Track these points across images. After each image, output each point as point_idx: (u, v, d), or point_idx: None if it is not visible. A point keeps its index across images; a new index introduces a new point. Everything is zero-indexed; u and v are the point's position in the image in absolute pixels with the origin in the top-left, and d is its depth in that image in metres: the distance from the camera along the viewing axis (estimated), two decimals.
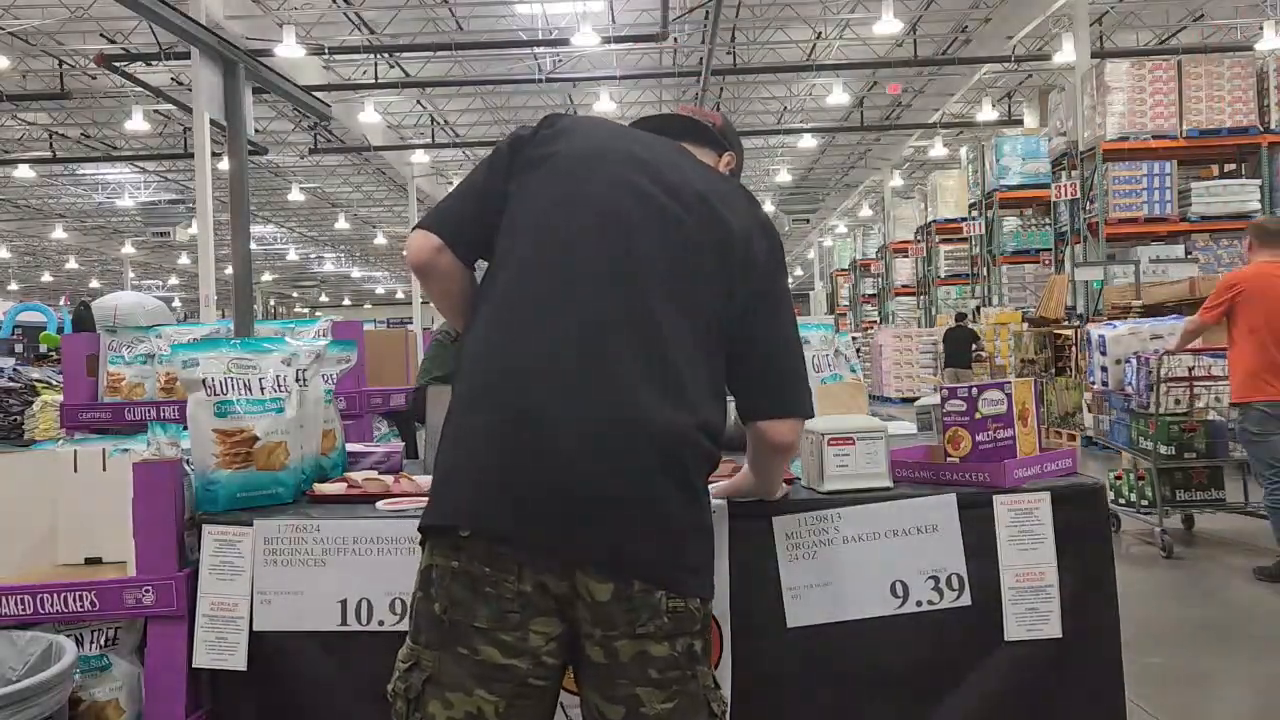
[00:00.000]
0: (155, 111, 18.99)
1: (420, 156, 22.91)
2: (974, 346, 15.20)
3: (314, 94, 13.66)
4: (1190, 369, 6.27)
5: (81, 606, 2.08)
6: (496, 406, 1.61)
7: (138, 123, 17.90)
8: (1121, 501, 6.81)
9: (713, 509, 2.03)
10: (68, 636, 2.04)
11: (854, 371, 2.37)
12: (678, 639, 1.59)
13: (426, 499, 1.68)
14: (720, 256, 1.70)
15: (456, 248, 1.76)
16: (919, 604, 2.03)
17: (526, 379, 1.60)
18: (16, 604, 2.07)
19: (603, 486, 1.56)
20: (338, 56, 15.84)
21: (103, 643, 2.13)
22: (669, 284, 1.66)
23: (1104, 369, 6.89)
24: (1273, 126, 12.47)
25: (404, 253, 1.77)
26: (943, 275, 20.58)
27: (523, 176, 1.75)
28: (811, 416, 1.83)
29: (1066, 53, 14.70)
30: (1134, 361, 6.48)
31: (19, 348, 5.62)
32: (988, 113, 19.86)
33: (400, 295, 48.55)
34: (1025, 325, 13.81)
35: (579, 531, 1.55)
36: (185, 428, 2.26)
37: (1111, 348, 6.82)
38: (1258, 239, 5.65)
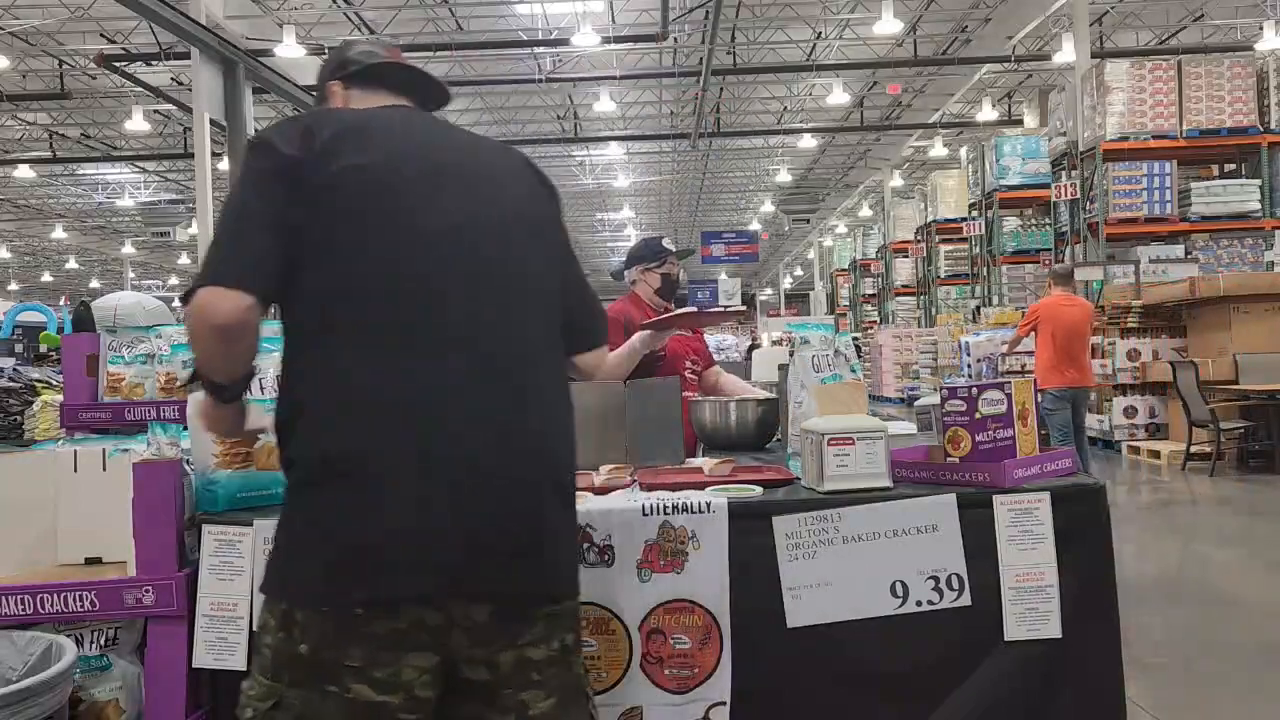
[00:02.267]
0: (155, 111, 19.00)
1: None
2: None
3: (314, 94, 13.69)
4: (1022, 365, 10.46)
5: (81, 606, 2.07)
6: (379, 450, 1.53)
7: (138, 123, 17.90)
8: None
9: (713, 510, 2.05)
10: (68, 636, 2.04)
11: (854, 371, 2.37)
12: (553, 639, 1.64)
13: None
14: (544, 226, 1.81)
15: (266, 300, 1.59)
16: (919, 604, 2.03)
17: (401, 417, 1.54)
18: (16, 604, 2.07)
19: (488, 521, 1.55)
20: None
21: (103, 643, 2.12)
22: (526, 284, 1.71)
23: (969, 365, 12.08)
24: (1273, 126, 12.47)
25: (186, 315, 1.58)
26: (943, 275, 20.57)
27: (318, 200, 1.60)
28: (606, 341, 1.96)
29: (1066, 53, 14.70)
30: (986, 360, 11.19)
31: (19, 348, 5.61)
32: (988, 113, 19.86)
33: None
34: None
35: (463, 569, 1.53)
36: (185, 428, 2.25)
37: (974, 350, 11.98)
38: (1053, 279, 8.55)
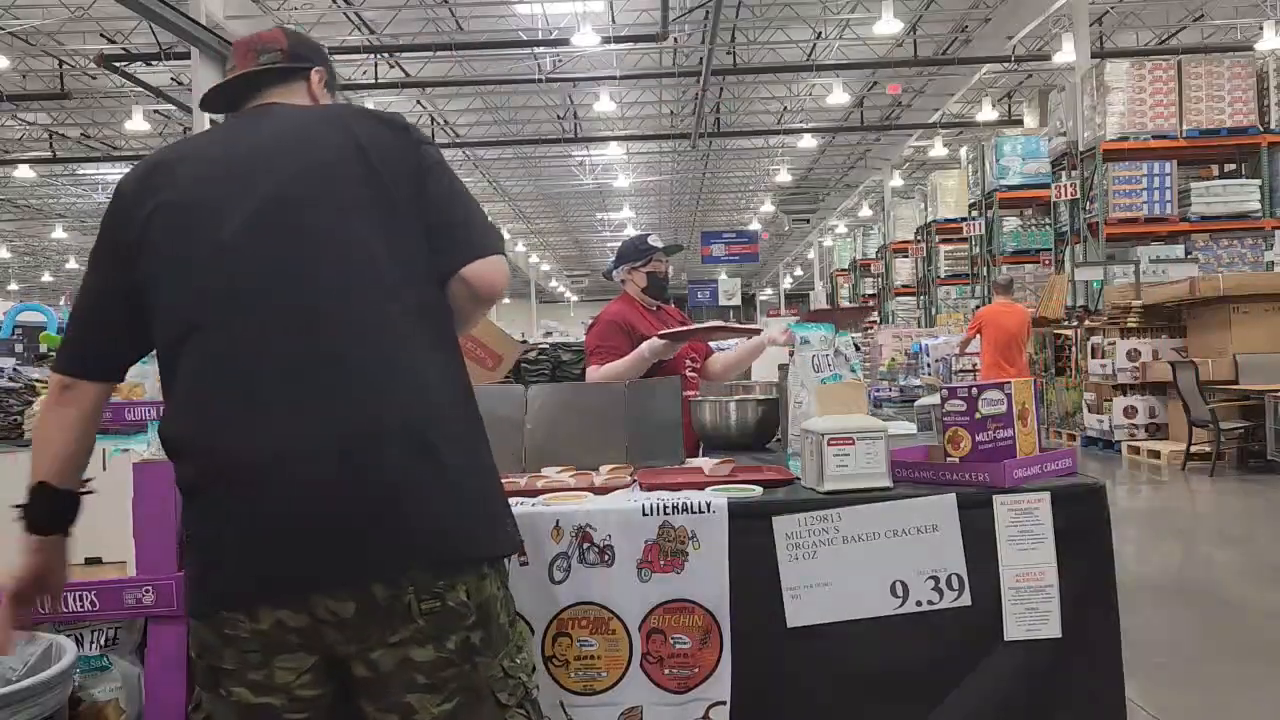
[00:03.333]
0: (155, 111, 18.99)
1: None
2: None
3: None
4: (973, 365, 11.28)
5: (81, 606, 2.08)
6: (203, 469, 1.57)
7: (138, 123, 17.89)
8: None
9: (713, 510, 2.05)
10: (68, 636, 2.04)
11: (854, 371, 2.37)
12: (445, 638, 1.54)
13: None
14: (368, 187, 1.64)
15: (94, 376, 1.71)
16: (919, 604, 2.03)
17: (223, 436, 1.55)
18: None
19: (322, 508, 1.51)
20: (338, 56, 15.81)
21: (103, 643, 2.13)
22: (337, 266, 1.59)
23: (928, 365, 13.76)
24: (1273, 126, 12.47)
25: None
26: (943, 275, 20.56)
27: (134, 254, 1.64)
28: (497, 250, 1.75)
29: (1066, 53, 14.70)
30: (942, 360, 12.97)
31: (19, 348, 5.60)
32: (988, 113, 19.86)
33: None
34: None
35: (306, 560, 1.51)
36: None
37: (932, 352, 13.74)
38: (995, 288, 10.64)
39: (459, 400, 1.66)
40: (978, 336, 10.02)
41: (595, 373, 3.43)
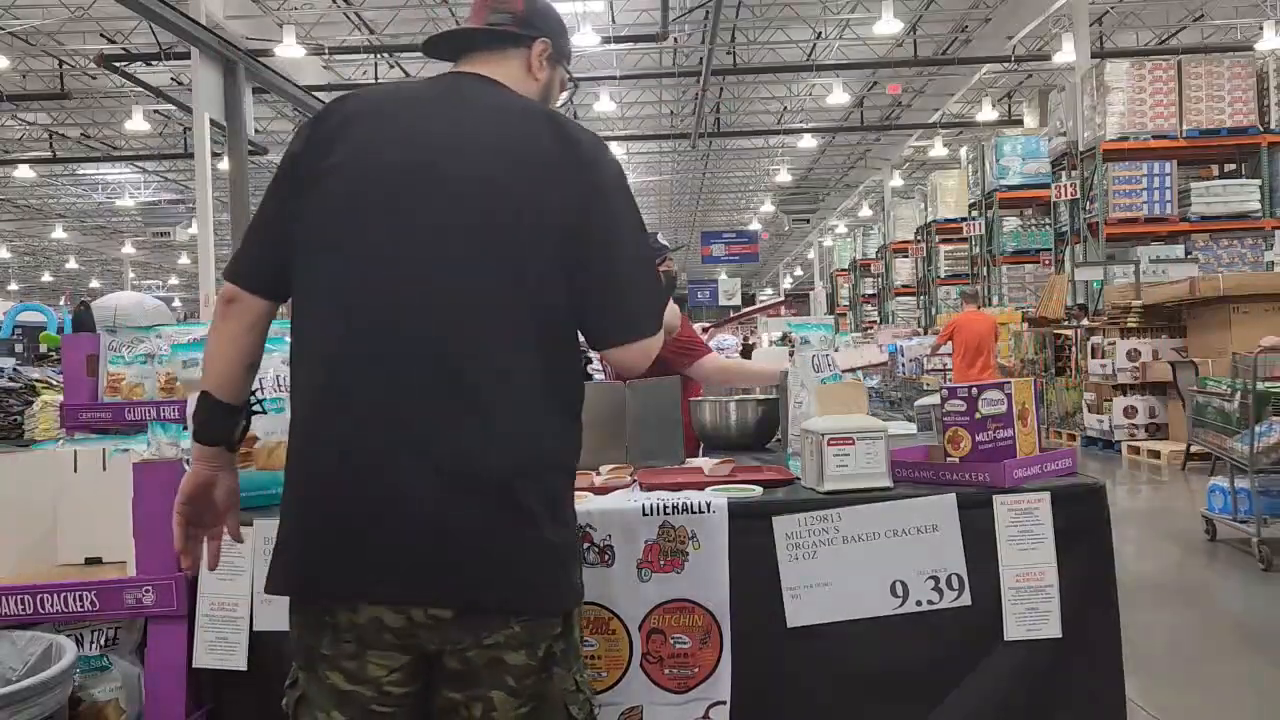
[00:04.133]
0: (155, 111, 18.99)
1: None
2: None
3: (314, 94, 13.68)
4: (943, 364, 12.53)
5: (81, 606, 2.08)
6: (332, 451, 1.56)
7: (138, 123, 17.90)
8: None
9: (713, 510, 2.05)
10: (68, 636, 2.04)
11: (854, 371, 2.37)
12: (536, 645, 1.56)
13: None
14: (545, 212, 1.58)
15: (267, 295, 1.69)
16: (919, 604, 2.03)
17: (360, 421, 1.54)
18: (16, 604, 2.07)
19: (438, 528, 1.51)
20: (338, 56, 15.84)
21: (103, 643, 2.13)
22: (482, 295, 1.55)
23: (903, 365, 14.66)
24: (1273, 126, 12.47)
25: None
26: (943, 275, 20.55)
27: (306, 195, 1.62)
28: (656, 331, 1.69)
29: (1066, 53, 14.71)
30: (915, 360, 14.16)
31: (19, 348, 5.61)
32: (988, 113, 19.86)
33: None
34: (1025, 325, 13.82)
35: (415, 576, 1.52)
36: (185, 428, 2.25)
37: (907, 353, 14.72)
38: (963, 297, 12.18)
39: (573, 458, 1.66)
40: (949, 340, 11.51)
41: (713, 360, 3.46)
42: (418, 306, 1.55)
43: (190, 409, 1.76)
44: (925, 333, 17.27)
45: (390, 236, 1.57)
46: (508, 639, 1.54)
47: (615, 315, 1.65)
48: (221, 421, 1.71)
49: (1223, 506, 6.19)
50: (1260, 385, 5.96)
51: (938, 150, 21.96)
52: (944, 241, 20.33)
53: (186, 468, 2.16)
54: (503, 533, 1.52)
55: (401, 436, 1.53)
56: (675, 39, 16.20)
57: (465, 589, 1.52)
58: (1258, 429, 5.79)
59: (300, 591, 1.58)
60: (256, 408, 1.78)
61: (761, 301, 42.53)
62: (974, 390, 2.16)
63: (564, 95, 1.91)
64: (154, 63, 14.94)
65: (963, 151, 19.34)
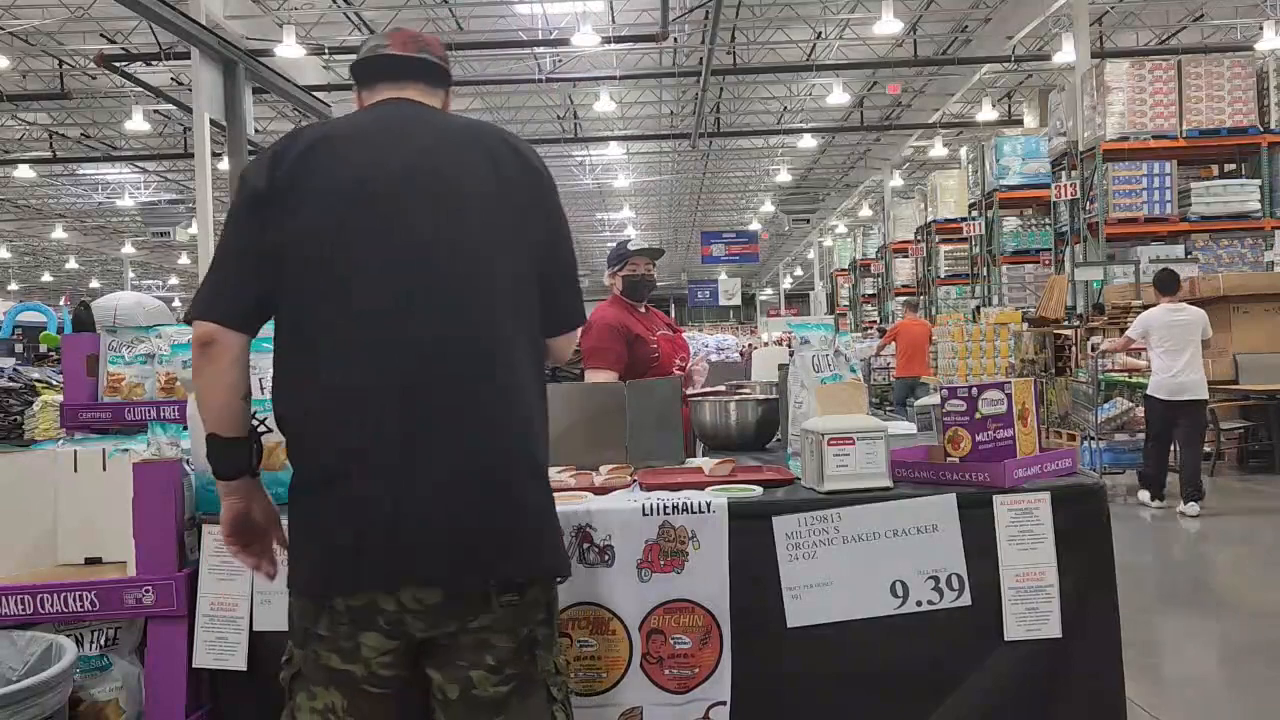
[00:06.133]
0: (155, 111, 18.98)
1: None
2: None
3: (314, 94, 13.66)
4: (887, 363, 14.50)
5: (81, 606, 2.08)
6: (327, 460, 1.66)
7: (138, 123, 17.88)
8: None
9: (713, 510, 2.05)
10: (68, 636, 2.04)
11: (854, 371, 2.37)
12: (520, 629, 1.68)
13: None
14: (513, 213, 1.77)
15: (242, 326, 1.74)
16: (919, 604, 2.03)
17: (367, 419, 1.65)
18: (16, 604, 2.07)
19: (428, 509, 1.63)
20: (338, 56, 15.82)
21: (103, 643, 2.13)
22: (481, 296, 1.70)
23: (861, 362, 15.34)
24: (1273, 126, 12.46)
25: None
26: (943, 275, 20.53)
27: (284, 227, 1.69)
28: (580, 323, 1.94)
29: (1066, 53, 14.69)
30: (865, 361, 14.42)
31: (19, 348, 5.61)
32: (988, 113, 19.84)
33: None
34: (1025, 325, 13.81)
35: (406, 554, 1.62)
36: (185, 428, 2.25)
37: (857, 354, 17.92)
38: (905, 306, 14.75)
39: (545, 436, 1.79)
40: (893, 342, 13.86)
41: (595, 375, 3.45)
42: (415, 313, 1.66)
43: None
44: (864, 336, 19.14)
45: (382, 252, 1.68)
46: (493, 622, 1.64)
47: (563, 309, 1.87)
48: (236, 455, 1.77)
49: (1086, 462, 8.22)
50: (1101, 376, 9.37)
51: (938, 150, 21.94)
52: (944, 241, 20.31)
53: (187, 468, 2.17)
54: (494, 513, 1.65)
55: (408, 432, 1.63)
56: (675, 39, 16.18)
57: (456, 568, 1.63)
58: (1103, 406, 9.14)
59: (326, 591, 1.67)
60: (262, 429, 1.84)
61: (762, 301, 42.56)
62: (974, 390, 2.16)
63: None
64: (154, 63, 14.91)
65: (963, 151, 19.31)
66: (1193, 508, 7.26)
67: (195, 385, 1.78)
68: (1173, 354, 7.41)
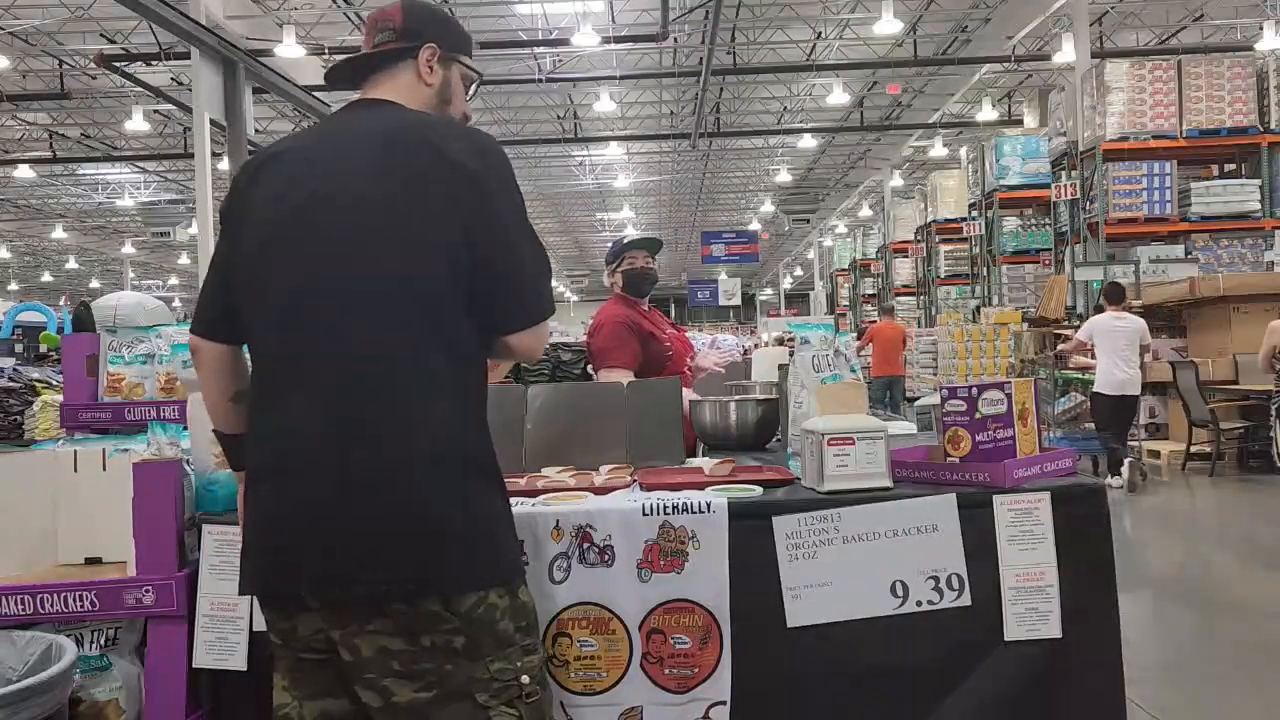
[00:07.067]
0: (155, 111, 18.98)
1: None
2: None
3: (314, 94, 13.65)
4: (865, 363, 14.51)
5: (81, 606, 2.08)
6: (265, 471, 1.71)
7: (138, 123, 17.88)
8: None
9: (713, 510, 2.04)
10: (68, 636, 2.04)
11: (854, 372, 2.37)
12: (420, 635, 1.62)
13: None
14: (422, 215, 1.67)
15: (225, 339, 1.86)
16: (919, 604, 2.03)
17: (266, 445, 1.71)
18: (16, 604, 2.07)
19: (308, 515, 1.64)
20: (338, 56, 15.81)
21: (103, 643, 2.13)
22: (383, 300, 1.66)
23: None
24: (1273, 126, 12.47)
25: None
26: (943, 275, 20.54)
27: (230, 244, 1.80)
28: (548, 315, 1.82)
29: (1066, 53, 14.69)
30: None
31: (19, 348, 5.61)
32: (988, 113, 19.84)
33: None
34: (1025, 325, 13.81)
35: (281, 558, 1.66)
36: (185, 428, 2.26)
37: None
38: (882, 310, 17.31)
39: (471, 446, 1.72)
40: (870, 344, 14.70)
41: (610, 376, 3.39)
42: (318, 323, 1.67)
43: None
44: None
45: (290, 265, 1.70)
46: (383, 626, 1.62)
47: (514, 304, 1.75)
48: (237, 449, 1.86)
49: None
50: (1058, 373, 10.63)
51: (938, 150, 21.94)
52: (944, 241, 20.31)
53: (187, 468, 2.17)
54: (371, 520, 1.62)
55: (313, 432, 1.65)
56: (675, 39, 16.18)
57: (339, 582, 1.63)
58: (1059, 400, 10.51)
59: (242, 590, 1.77)
60: None
61: (762, 301, 42.54)
62: (974, 390, 2.16)
63: (472, 88, 1.96)
64: (154, 63, 14.91)
65: (963, 151, 19.32)
66: (1116, 480, 8.43)
67: (200, 386, 1.93)
68: (1111, 354, 8.50)
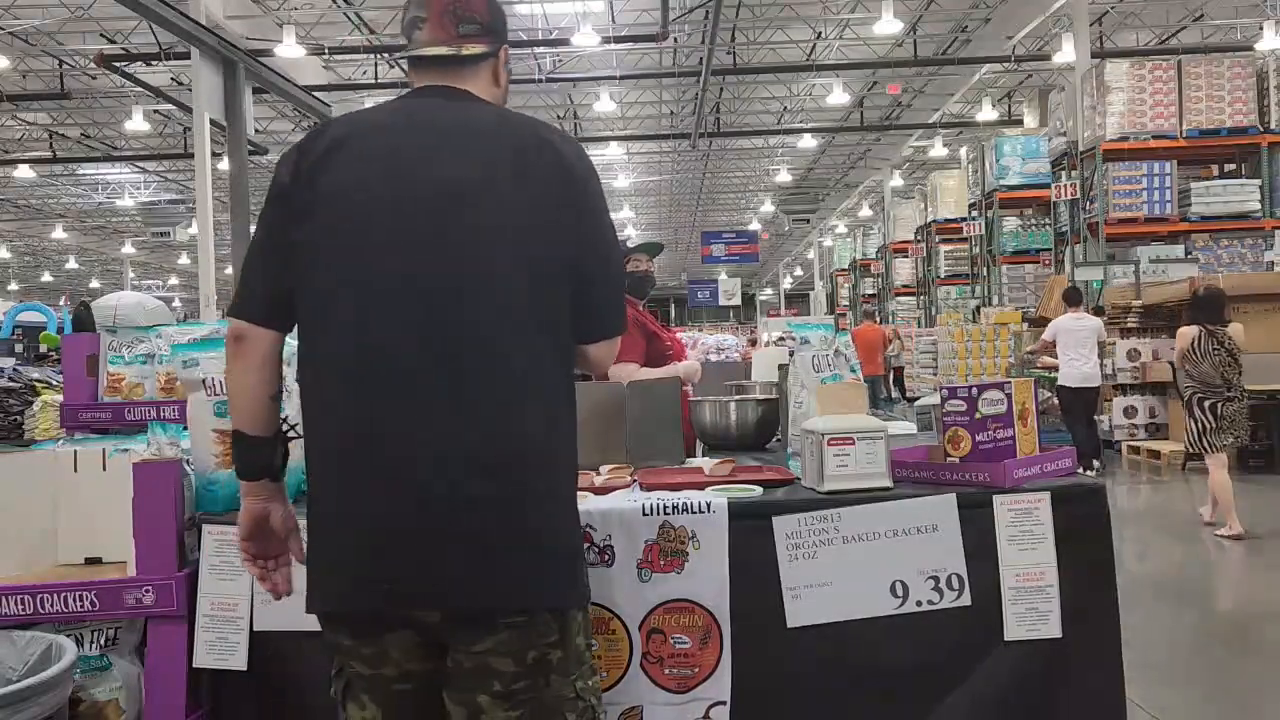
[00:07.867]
0: (155, 111, 18.98)
1: None
2: None
3: (314, 94, 13.65)
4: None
5: (81, 606, 2.08)
6: (354, 467, 1.61)
7: (138, 123, 17.88)
8: None
9: (713, 510, 2.04)
10: (68, 636, 2.04)
11: (854, 371, 2.37)
12: (526, 651, 1.58)
13: None
14: (531, 211, 1.63)
15: (271, 324, 1.71)
16: (919, 604, 2.03)
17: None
18: (16, 604, 2.07)
19: (420, 524, 1.56)
20: (338, 56, 15.83)
21: (103, 643, 2.13)
22: (482, 310, 1.60)
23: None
24: (1273, 126, 12.47)
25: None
26: (943, 275, 20.55)
27: (302, 223, 1.66)
28: (620, 332, 1.81)
29: (1066, 53, 14.69)
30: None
31: (19, 348, 5.61)
32: (988, 113, 19.84)
33: None
34: (1025, 325, 13.82)
35: (397, 572, 1.57)
36: (185, 428, 2.25)
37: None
38: (864, 314, 21.97)
39: (569, 451, 1.72)
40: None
41: (622, 370, 3.40)
42: (423, 318, 1.60)
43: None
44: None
45: (403, 253, 1.62)
46: (496, 644, 1.57)
47: (597, 315, 1.75)
48: (259, 455, 1.74)
49: None
50: (1028, 372, 11.05)
51: (938, 150, 21.94)
52: (944, 241, 20.33)
53: (187, 468, 2.17)
54: (491, 534, 1.56)
55: (414, 440, 1.57)
56: (675, 39, 16.19)
57: (450, 594, 1.56)
58: None
59: (323, 608, 1.66)
60: (291, 433, 1.78)
61: (762, 301, 42.53)
62: (974, 390, 2.16)
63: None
64: (154, 63, 14.91)
65: (963, 151, 19.32)
66: (1090, 474, 8.85)
67: (226, 382, 1.79)
68: (1073, 350, 9.45)
